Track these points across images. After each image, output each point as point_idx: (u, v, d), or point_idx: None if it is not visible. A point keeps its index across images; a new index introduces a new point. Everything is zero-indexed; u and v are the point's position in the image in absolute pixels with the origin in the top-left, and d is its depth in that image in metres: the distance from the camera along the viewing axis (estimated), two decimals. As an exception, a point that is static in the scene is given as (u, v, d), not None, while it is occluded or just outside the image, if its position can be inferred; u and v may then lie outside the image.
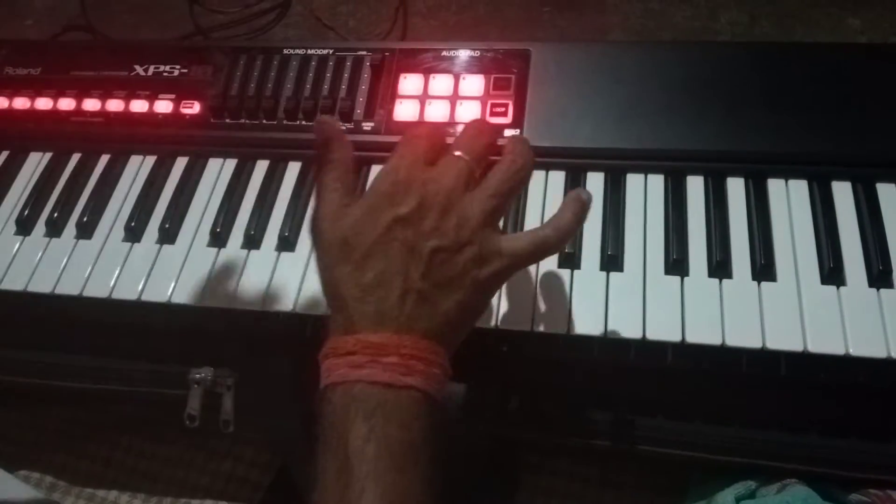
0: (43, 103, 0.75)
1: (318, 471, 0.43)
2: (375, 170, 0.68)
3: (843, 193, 0.62)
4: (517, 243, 0.49)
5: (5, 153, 0.75)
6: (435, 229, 0.47)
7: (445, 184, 0.48)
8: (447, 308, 0.47)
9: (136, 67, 0.75)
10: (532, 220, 0.64)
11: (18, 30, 0.99)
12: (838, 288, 0.57)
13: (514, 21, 0.89)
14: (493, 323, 0.59)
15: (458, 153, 0.50)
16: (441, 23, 0.91)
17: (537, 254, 0.51)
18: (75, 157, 0.74)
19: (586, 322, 0.58)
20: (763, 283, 0.58)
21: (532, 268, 0.61)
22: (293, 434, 0.63)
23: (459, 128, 0.66)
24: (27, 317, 0.67)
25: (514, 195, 0.52)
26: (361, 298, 0.46)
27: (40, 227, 0.70)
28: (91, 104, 0.74)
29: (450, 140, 0.52)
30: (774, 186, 0.63)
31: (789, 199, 0.62)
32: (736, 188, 0.63)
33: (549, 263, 0.61)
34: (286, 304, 0.62)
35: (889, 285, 0.57)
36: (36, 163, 0.74)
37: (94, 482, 0.73)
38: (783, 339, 0.55)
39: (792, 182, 0.63)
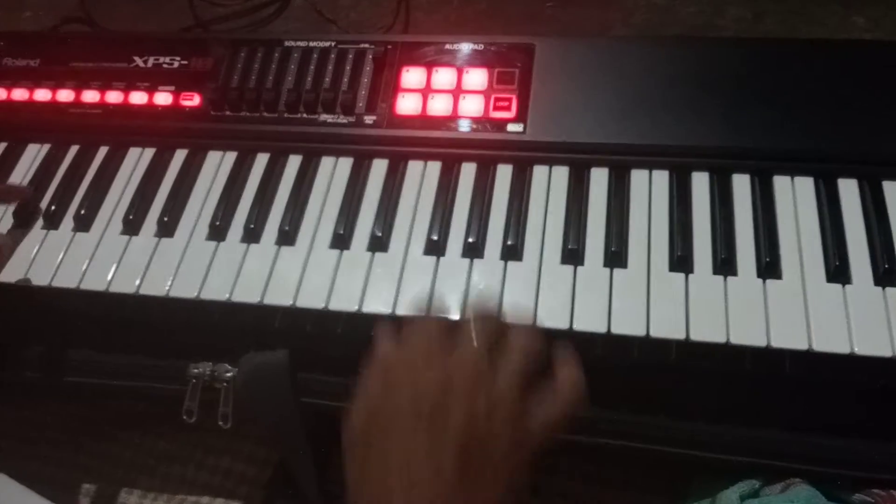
0: (42, 95, 0.74)
1: None
2: (377, 164, 0.68)
3: (849, 191, 0.62)
4: (546, 414, 0.47)
5: (3, 144, 0.75)
6: (462, 421, 0.44)
7: (464, 377, 0.46)
8: (482, 500, 0.43)
9: (136, 59, 0.74)
10: (535, 217, 0.63)
11: (16, 22, 0.99)
12: (844, 286, 0.57)
13: (517, 16, 0.88)
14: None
15: (471, 339, 0.47)
16: (443, 17, 0.91)
17: (567, 414, 0.47)
18: (74, 149, 0.73)
19: (589, 319, 0.58)
20: (768, 281, 0.58)
21: (535, 264, 0.61)
22: (292, 429, 0.63)
23: (461, 123, 0.67)
24: (24, 310, 0.67)
25: (531, 365, 0.48)
26: (389, 491, 0.43)
27: (38, 219, 0.69)
28: (90, 96, 0.73)
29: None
30: (780, 184, 0.62)
31: (795, 196, 0.62)
32: (741, 185, 0.63)
33: (553, 259, 0.60)
34: (285, 298, 0.61)
35: (894, 284, 0.57)
36: (34, 154, 0.74)
37: (91, 478, 0.72)
38: (788, 338, 0.55)
39: (798, 179, 0.62)
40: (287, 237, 0.65)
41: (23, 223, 0.69)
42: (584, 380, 0.48)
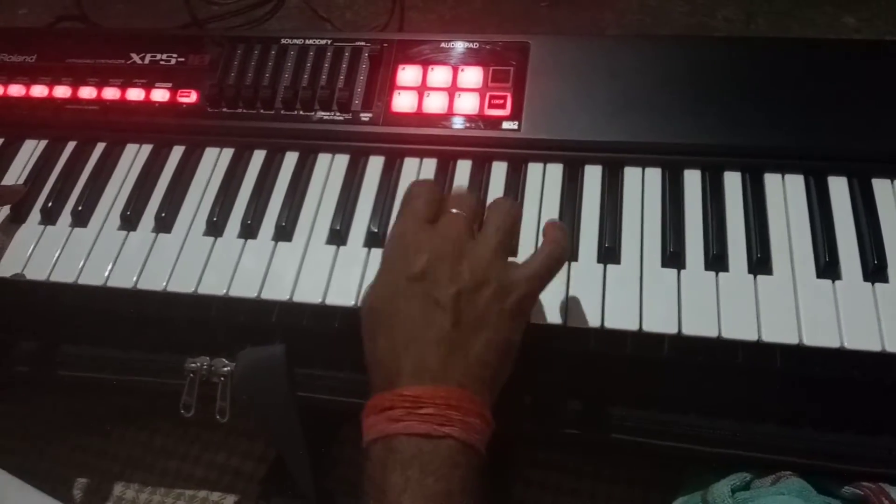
0: (38, 91, 0.74)
1: None
2: (373, 161, 0.68)
3: (838, 188, 0.62)
4: (530, 266, 0.52)
5: (0, 140, 0.75)
6: (451, 277, 0.49)
7: (450, 235, 0.51)
8: (480, 350, 0.48)
9: (133, 56, 0.75)
10: (529, 212, 0.64)
11: (11, 19, 0.99)
12: (834, 282, 0.58)
13: (511, 16, 0.89)
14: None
15: (454, 210, 0.53)
16: (437, 16, 0.91)
17: (551, 268, 0.53)
18: (71, 145, 0.73)
19: (583, 314, 0.58)
20: (759, 277, 0.58)
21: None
22: (288, 424, 0.63)
23: (457, 120, 0.67)
24: (21, 305, 0.67)
25: (515, 231, 0.54)
26: (396, 356, 0.48)
27: (35, 214, 0.69)
28: (87, 92, 0.73)
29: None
30: (771, 181, 0.63)
31: (786, 193, 0.62)
32: (733, 182, 0.63)
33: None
34: (282, 293, 0.62)
35: (884, 280, 0.58)
36: (31, 150, 0.74)
37: (87, 472, 0.72)
38: (779, 333, 0.56)
39: (788, 177, 0.63)
40: (284, 233, 0.65)
41: (20, 219, 0.69)
42: (567, 238, 0.54)
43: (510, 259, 0.55)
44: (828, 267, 0.58)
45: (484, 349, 0.48)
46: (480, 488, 0.46)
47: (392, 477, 0.44)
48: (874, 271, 0.58)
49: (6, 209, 0.70)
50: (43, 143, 0.74)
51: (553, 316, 0.58)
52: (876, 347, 0.55)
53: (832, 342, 0.55)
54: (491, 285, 0.49)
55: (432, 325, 0.48)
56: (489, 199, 0.64)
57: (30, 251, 0.67)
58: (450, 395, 0.46)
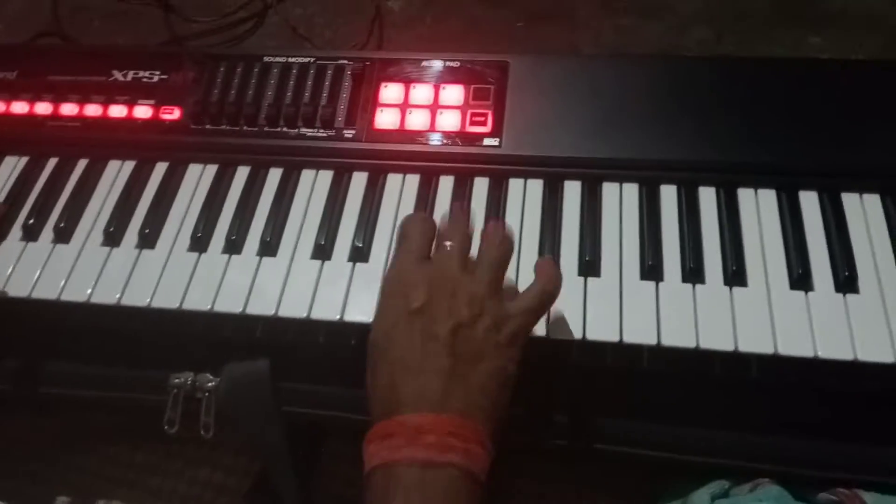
0: (19, 107, 0.74)
1: None
2: (357, 177, 0.69)
3: (809, 203, 0.64)
4: (524, 300, 0.54)
5: (-20, 158, 0.74)
6: (448, 312, 0.51)
7: (446, 271, 0.53)
8: (479, 381, 0.50)
9: (115, 72, 0.75)
10: (511, 227, 0.64)
11: (-12, 36, 0.98)
12: (806, 293, 0.59)
13: (489, 35, 0.90)
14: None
15: (447, 244, 0.55)
16: (417, 35, 0.92)
17: (544, 303, 0.56)
18: (52, 162, 0.73)
19: (564, 326, 0.59)
20: (735, 289, 0.60)
21: (511, 273, 0.62)
22: (273, 439, 0.63)
23: (439, 137, 0.68)
24: (2, 322, 0.66)
25: (507, 263, 0.56)
26: (395, 387, 0.49)
27: (16, 231, 0.69)
28: (68, 109, 0.73)
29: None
30: (744, 195, 0.65)
31: (759, 207, 0.64)
32: (708, 197, 0.65)
33: (529, 269, 0.62)
34: (267, 308, 0.62)
35: (854, 290, 0.59)
36: (11, 167, 0.73)
37: (69, 490, 0.71)
38: (754, 342, 0.57)
39: (761, 191, 0.65)
40: (269, 248, 0.65)
41: (0, 235, 0.69)
42: (559, 276, 0.56)
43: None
44: (800, 279, 0.60)
45: (483, 378, 0.50)
46: None
47: None
48: (845, 282, 0.60)
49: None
50: (24, 159, 0.73)
51: (536, 328, 0.59)
52: (848, 356, 0.56)
53: (806, 351, 0.56)
54: (486, 319, 0.51)
55: (430, 357, 0.50)
56: (470, 218, 0.65)
57: (11, 268, 0.66)
58: (451, 424, 0.47)
